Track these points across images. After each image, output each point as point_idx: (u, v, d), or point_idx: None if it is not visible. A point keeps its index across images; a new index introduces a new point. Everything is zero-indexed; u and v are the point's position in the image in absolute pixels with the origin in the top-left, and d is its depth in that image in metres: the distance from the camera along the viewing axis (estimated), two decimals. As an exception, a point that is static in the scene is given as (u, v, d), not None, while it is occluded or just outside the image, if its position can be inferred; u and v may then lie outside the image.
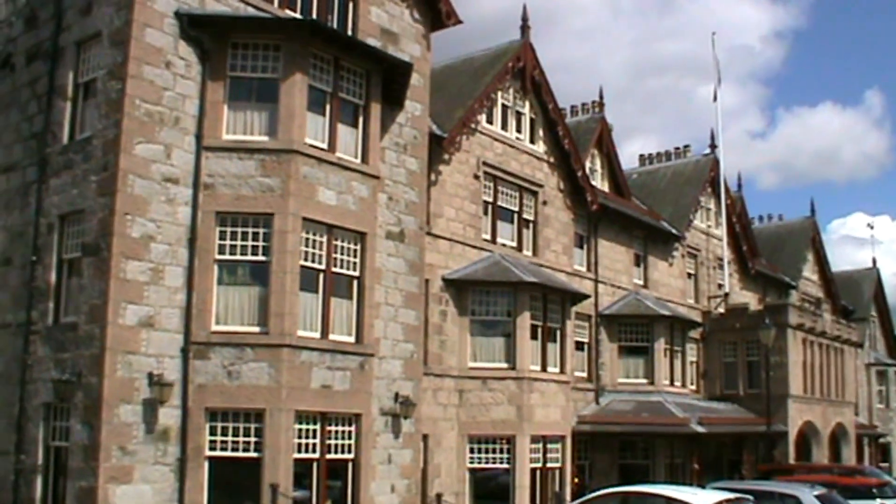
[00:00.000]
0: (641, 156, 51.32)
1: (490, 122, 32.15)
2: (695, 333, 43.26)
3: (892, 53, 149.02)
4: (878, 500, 27.50)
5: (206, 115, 20.90)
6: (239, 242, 20.78)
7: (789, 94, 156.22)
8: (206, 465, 20.08)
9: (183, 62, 20.74)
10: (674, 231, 43.04)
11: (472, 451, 28.96)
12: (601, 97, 41.20)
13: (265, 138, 21.23)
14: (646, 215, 42.01)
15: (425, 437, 26.62)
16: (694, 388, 42.71)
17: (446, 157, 29.47)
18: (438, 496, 25.29)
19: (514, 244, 32.68)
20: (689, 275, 45.05)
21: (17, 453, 20.60)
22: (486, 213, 31.54)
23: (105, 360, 18.81)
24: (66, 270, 20.81)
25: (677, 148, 49.73)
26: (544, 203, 34.08)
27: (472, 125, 30.80)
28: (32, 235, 21.33)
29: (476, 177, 30.92)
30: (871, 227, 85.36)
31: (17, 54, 23.10)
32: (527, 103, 33.96)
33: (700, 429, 35.99)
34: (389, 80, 23.88)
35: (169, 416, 19.72)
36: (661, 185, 47.06)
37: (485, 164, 31.39)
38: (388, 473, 23.38)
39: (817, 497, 24.61)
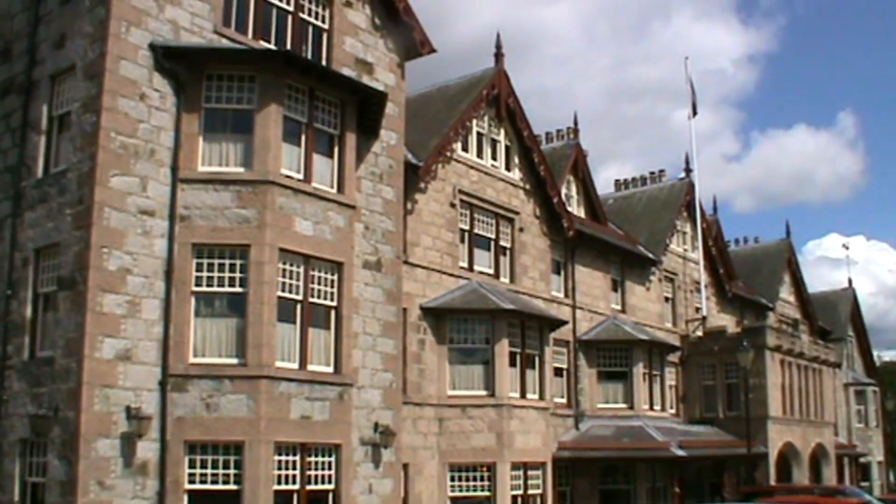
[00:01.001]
0: (617, 181, 51.58)
1: (465, 149, 32.25)
2: (673, 357, 43.36)
3: (864, 75, 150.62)
4: (859, 521, 27.58)
5: (182, 146, 20.86)
6: (216, 274, 20.72)
7: (763, 117, 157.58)
8: (186, 498, 19.90)
9: (158, 94, 20.73)
10: (650, 255, 43.20)
11: (452, 479, 28.88)
12: (576, 123, 41.39)
13: (241, 169, 21.21)
14: (622, 240, 42.16)
15: (406, 466, 26.52)
16: (674, 411, 42.79)
17: (422, 185, 29.53)
18: (419, 525, 25.22)
19: (492, 271, 32.73)
20: (667, 299, 45.19)
21: (-6, 490, 20.43)
22: (462, 240, 31.59)
23: (82, 395, 18.65)
24: (41, 304, 20.68)
25: (652, 172, 50.03)
26: (521, 230, 34.17)
27: (448, 153, 30.88)
28: (7, 269, 21.20)
29: (452, 205, 30.98)
30: (847, 248, 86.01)
31: (-10, 89, 23.04)
32: (502, 131, 34.10)
33: (681, 452, 36.01)
34: (364, 109, 23.92)
35: (147, 450, 19.56)
36: (637, 210, 47.26)
37: (461, 191, 31.46)
38: (370, 503, 23.27)
39: (798, 518, 24.68)
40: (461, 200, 31.51)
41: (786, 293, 58.70)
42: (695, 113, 48.51)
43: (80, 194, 19.69)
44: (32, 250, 20.80)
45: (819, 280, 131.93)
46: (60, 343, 19.46)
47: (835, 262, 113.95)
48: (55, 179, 20.57)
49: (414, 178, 28.60)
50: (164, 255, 20.32)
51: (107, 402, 19.00)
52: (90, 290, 19.00)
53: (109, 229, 19.43)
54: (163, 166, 20.60)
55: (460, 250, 31.34)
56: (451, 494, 28.82)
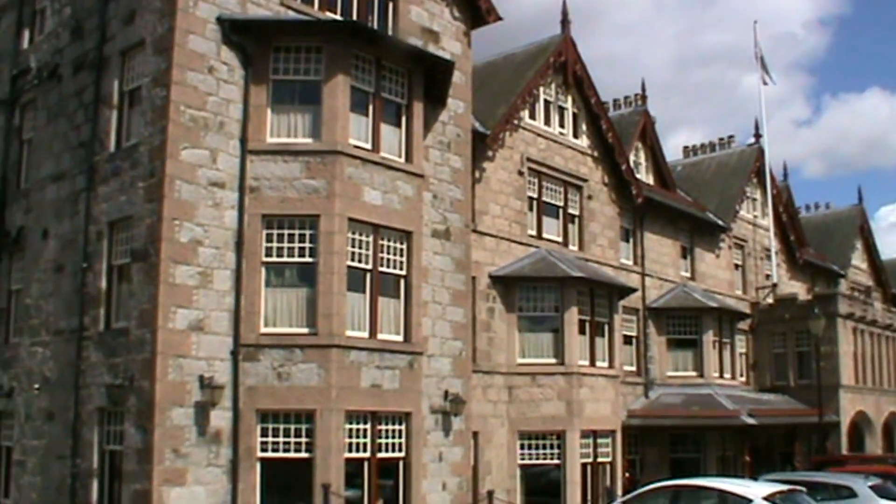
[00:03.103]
0: (685, 148, 51.03)
1: (533, 117, 32.11)
2: (743, 325, 42.97)
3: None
4: (934, 489, 27.11)
5: (250, 118, 21.05)
6: (286, 244, 20.91)
7: (835, 80, 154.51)
8: (259, 466, 20.23)
9: (226, 67, 20.91)
10: (720, 222, 42.77)
11: (522, 447, 28.94)
12: (643, 90, 40.99)
13: (309, 140, 21.35)
14: (691, 207, 41.77)
15: (475, 435, 26.61)
16: (744, 379, 42.44)
17: (490, 153, 29.48)
18: (490, 493, 25.23)
19: (560, 239, 32.61)
20: (737, 266, 44.74)
21: (73, 457, 20.91)
22: (531, 208, 31.51)
23: (156, 364, 19.02)
24: (115, 276, 21.08)
25: (721, 139, 49.42)
26: (589, 197, 33.99)
27: (515, 121, 30.77)
28: (82, 243, 21.63)
29: (520, 173, 30.89)
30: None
31: (63, 65, 23.47)
32: (569, 98, 33.88)
33: (751, 421, 35.72)
34: (431, 78, 23.90)
35: (220, 419, 19.89)
36: (707, 177, 46.76)
37: (529, 159, 31.35)
38: (439, 471, 23.42)
39: (871, 487, 24.36)
40: (529, 168, 31.39)
41: (858, 260, 57.79)
42: (766, 82, 47.71)
43: (151, 167, 19.97)
44: (106, 223, 21.16)
45: (892, 246, 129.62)
46: (135, 314, 19.81)
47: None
48: (127, 153, 20.87)
49: (482, 147, 28.55)
50: (235, 226, 20.55)
51: (180, 372, 19.32)
52: (163, 262, 19.29)
53: (181, 201, 19.68)
54: (232, 138, 20.80)
55: (528, 218, 31.25)
56: (520, 462, 28.89)
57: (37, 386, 22.62)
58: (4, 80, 25.93)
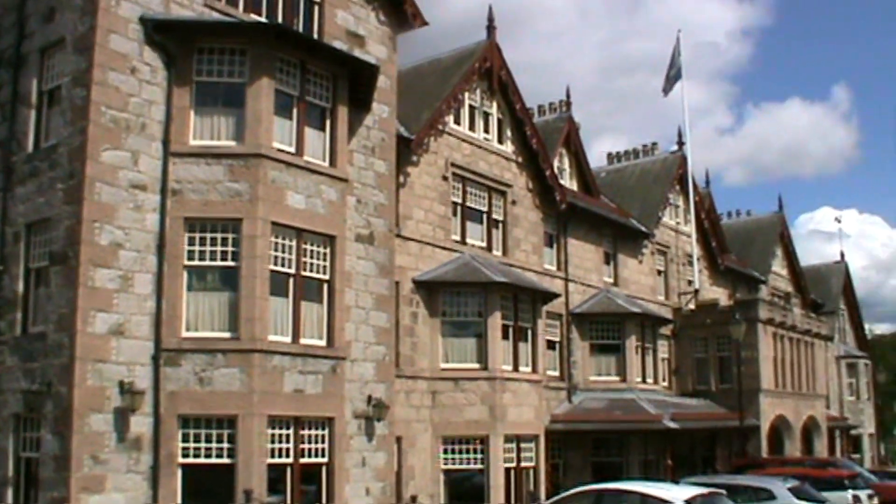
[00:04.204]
0: (609, 154, 51.40)
1: (458, 122, 32.17)
2: (666, 330, 43.46)
3: (858, 49, 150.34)
4: (850, 492, 27.68)
5: (173, 120, 20.81)
6: (208, 248, 20.71)
7: (757, 90, 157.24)
8: (180, 472, 20.00)
9: (148, 68, 20.65)
10: (643, 229, 43.20)
11: (445, 451, 28.94)
12: (568, 96, 41.31)
13: (232, 143, 21.17)
14: (615, 213, 42.16)
15: (399, 440, 26.58)
16: (666, 384, 42.88)
17: (414, 158, 29.47)
18: (413, 498, 25.27)
19: (484, 244, 32.72)
20: (659, 272, 45.24)
21: (-12, 465, 20.45)
22: (455, 213, 31.56)
23: (75, 370, 18.69)
24: (33, 279, 20.70)
25: (645, 146, 49.84)
26: (513, 203, 34.14)
27: (440, 126, 30.80)
28: (-1, 245, 21.18)
29: (444, 178, 30.93)
30: (839, 221, 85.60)
31: (-21, 62, 22.92)
32: (494, 104, 34.01)
33: (673, 425, 36.11)
34: (356, 82, 23.84)
35: (141, 424, 19.61)
36: (630, 183, 47.20)
37: (453, 164, 31.40)
38: (363, 476, 23.35)
39: (790, 490, 24.81)
40: (453, 173, 31.44)
41: (778, 266, 58.79)
42: (668, 90, 47.89)
43: (71, 169, 19.64)
44: (24, 225, 20.76)
45: (811, 253, 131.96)
46: (53, 318, 19.46)
47: (827, 235, 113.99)
48: (46, 154, 20.50)
49: (406, 152, 28.53)
50: (156, 229, 20.30)
51: (100, 377, 19.03)
52: (82, 265, 18.98)
53: (101, 204, 19.39)
54: (154, 140, 20.56)
55: (453, 223, 31.31)
56: (443, 467, 28.89)
57: (-50, 391, 22.08)
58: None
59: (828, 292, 65.02)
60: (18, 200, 20.94)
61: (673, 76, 47.37)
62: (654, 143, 49.65)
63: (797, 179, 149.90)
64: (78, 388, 18.68)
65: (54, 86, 21.01)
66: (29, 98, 21.35)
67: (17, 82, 21.65)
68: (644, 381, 39.20)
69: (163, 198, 20.45)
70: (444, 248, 30.42)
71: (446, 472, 28.96)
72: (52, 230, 19.90)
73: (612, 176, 48.49)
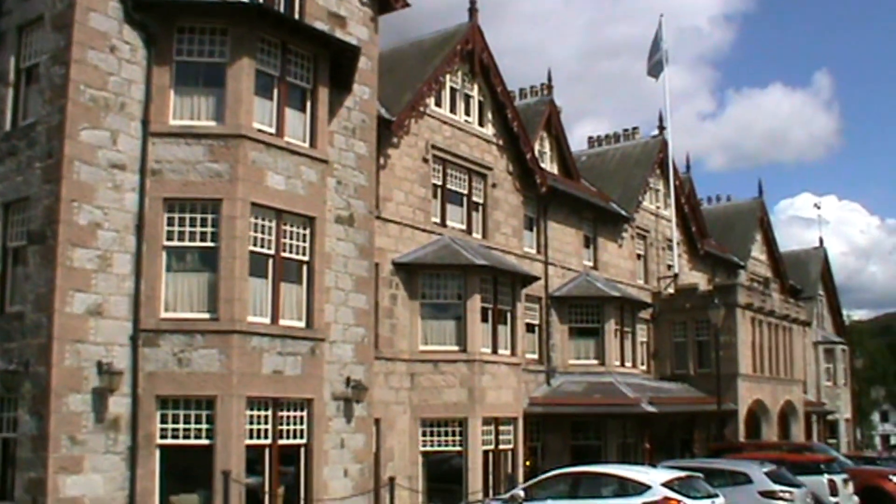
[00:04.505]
0: (590, 138, 51.46)
1: (439, 105, 32.12)
2: (645, 314, 43.61)
3: (840, 36, 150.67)
4: (826, 476, 27.85)
5: (153, 100, 20.72)
6: (187, 228, 20.63)
7: (739, 75, 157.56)
8: (158, 452, 19.99)
9: (128, 47, 20.54)
10: (623, 212, 43.30)
11: (424, 434, 28.99)
12: (550, 80, 41.29)
13: (213, 123, 21.08)
14: (595, 197, 42.20)
15: (377, 421, 26.62)
16: (644, 368, 43.04)
17: (395, 140, 29.42)
18: (391, 479, 25.28)
19: (464, 227, 32.72)
20: (639, 256, 45.36)
21: (-36, 445, 20.38)
22: (435, 196, 31.53)
23: (53, 350, 18.64)
24: (10, 259, 20.59)
25: (626, 130, 49.95)
26: (493, 186, 34.14)
27: (421, 108, 30.75)
28: (-24, 224, 21.04)
29: (425, 160, 30.89)
30: (818, 207, 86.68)
31: (-43, 39, 22.73)
32: (475, 86, 33.96)
33: (651, 409, 36.28)
34: (337, 63, 23.77)
35: (119, 405, 19.58)
36: (610, 167, 47.28)
37: (434, 147, 31.36)
38: (341, 458, 23.38)
39: (767, 474, 24.94)
40: (434, 156, 31.41)
41: (757, 252, 59.01)
42: (656, 73, 47.85)
43: (49, 148, 19.53)
44: (1, 204, 20.64)
45: (791, 239, 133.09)
46: (31, 298, 19.38)
47: (807, 221, 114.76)
48: (24, 133, 20.37)
49: (387, 133, 28.49)
50: (135, 209, 20.24)
51: (78, 357, 18.98)
52: (60, 245, 18.91)
53: (80, 183, 19.31)
54: (133, 120, 20.46)
55: (433, 206, 31.29)
56: (422, 449, 28.94)
57: (-73, 370, 21.97)
58: None
59: (806, 278, 65.35)
60: (-4, 179, 20.81)
61: (657, 61, 47.28)
62: (636, 128, 49.79)
63: (778, 165, 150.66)
64: (56, 368, 18.64)
65: (32, 63, 20.86)
66: (6, 76, 21.18)
67: (-6, 60, 21.50)
68: (623, 364, 39.35)
69: (142, 178, 20.37)
70: (424, 231, 30.41)
71: (425, 454, 29.01)
72: (31, 209, 19.79)
73: (592, 160, 48.56)
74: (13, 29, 21.24)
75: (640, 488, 20.36)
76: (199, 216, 20.68)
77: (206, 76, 21.37)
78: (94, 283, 19.38)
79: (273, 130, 21.97)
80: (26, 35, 21.11)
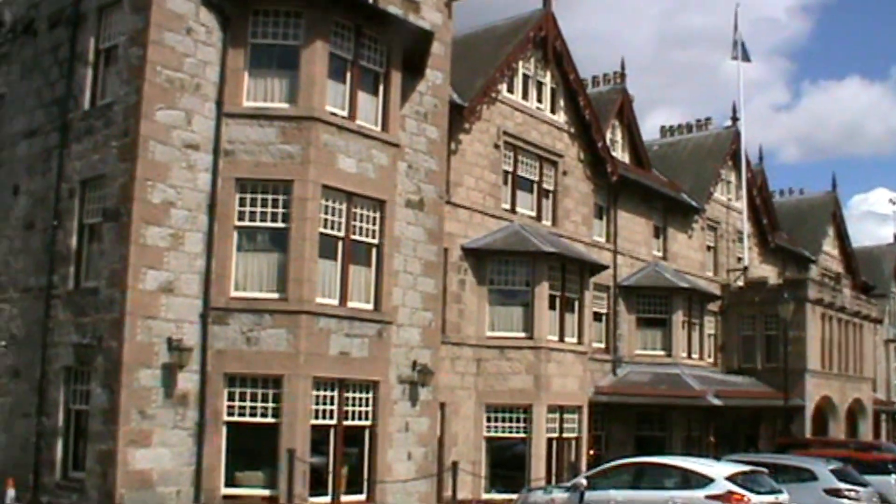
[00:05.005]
0: (663, 127, 51.10)
1: (511, 91, 32.06)
2: (713, 306, 43.23)
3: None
4: (893, 476, 27.44)
5: (227, 81, 20.95)
6: (259, 209, 20.84)
7: (815, 67, 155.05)
8: (224, 429, 20.26)
9: (204, 29, 20.77)
10: (693, 203, 42.92)
11: (489, 419, 29.04)
12: (623, 68, 41.02)
13: (286, 105, 21.25)
14: (666, 187, 41.88)
15: (442, 406, 26.67)
16: (711, 361, 42.70)
17: (466, 126, 29.43)
18: (455, 464, 25.33)
19: (534, 214, 32.64)
20: (709, 247, 44.95)
21: (39, 415, 20.85)
22: (505, 182, 31.50)
23: (125, 325, 18.97)
24: (86, 235, 20.98)
25: (699, 120, 49.48)
26: (564, 173, 34.01)
27: (493, 94, 30.72)
28: (54, 200, 21.48)
29: (496, 146, 30.87)
30: (894, 203, 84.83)
31: (39, 20, 23.18)
32: (548, 73, 33.84)
33: (717, 402, 36.00)
34: (410, 48, 23.81)
35: (188, 381, 19.87)
36: (682, 158, 46.86)
37: (505, 133, 31.32)
38: (405, 441, 23.49)
39: (833, 471, 24.64)
40: (505, 142, 31.37)
41: (829, 246, 58.17)
42: (745, 58, 47.44)
43: (125, 127, 19.84)
44: (78, 182, 21.03)
45: (864, 234, 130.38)
46: (105, 274, 19.74)
47: (881, 217, 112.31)
48: (101, 112, 20.73)
49: (458, 119, 28.50)
50: (208, 189, 20.49)
51: (149, 333, 19.29)
52: (134, 223, 19.22)
53: (154, 162, 19.60)
54: (208, 101, 20.70)
55: (503, 192, 31.26)
56: (486, 435, 28.99)
57: (3, 343, 22.47)
58: (-22, 35, 25.63)
59: (879, 274, 64.26)
60: (74, 157, 21.19)
61: (740, 51, 46.86)
62: (709, 118, 49.34)
63: (853, 159, 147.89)
64: (128, 344, 18.96)
65: (111, 45, 21.21)
66: (86, 56, 21.56)
67: (74, 41, 21.88)
68: (689, 356, 39.07)
69: (215, 158, 20.62)
70: (493, 217, 30.40)
71: (488, 439, 29.06)
72: (106, 187, 20.15)
73: (664, 149, 48.17)
74: (93, 10, 21.60)
75: (704, 481, 20.19)
76: (270, 197, 20.87)
77: (280, 59, 21.53)
78: (167, 261, 19.67)
79: (345, 113, 22.07)
80: (106, 17, 21.46)
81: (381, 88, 23.19)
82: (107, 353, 19.28)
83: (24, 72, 23.47)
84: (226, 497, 20.13)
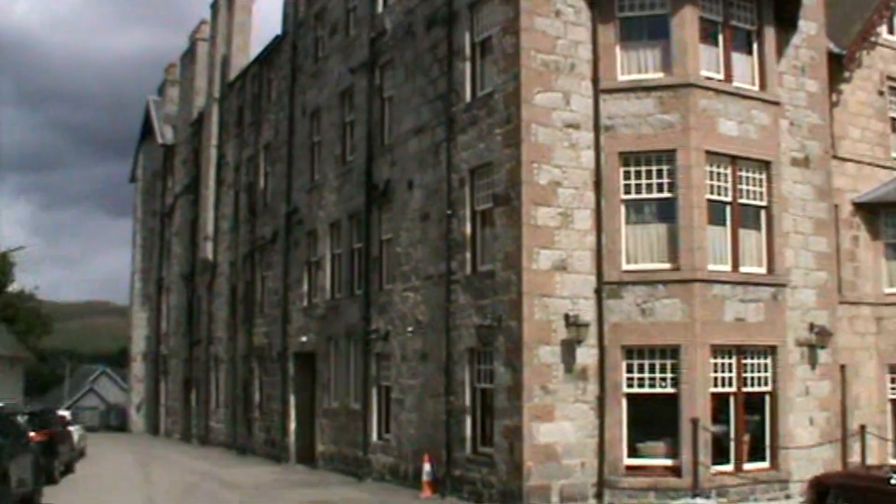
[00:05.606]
0: None
1: (892, 32, 30.14)
2: None
3: None
4: None
5: (600, 58, 21.20)
6: (643, 181, 20.91)
7: None
8: (624, 401, 20.52)
9: (572, 10, 21.13)
10: None
11: (893, 381, 27.54)
12: None
13: (660, 75, 21.21)
14: None
15: (842, 368, 25.66)
16: None
17: (846, 74, 28.02)
18: (862, 428, 24.32)
19: (927, 161, 30.65)
20: None
21: (447, 395, 22.04)
22: (893, 130, 29.73)
23: (522, 305, 19.67)
24: (479, 221, 21.92)
25: None
26: (959, 115, 31.67)
27: (872, 38, 29.02)
28: (445, 191, 22.60)
29: (880, 93, 29.16)
30: None
31: (416, 23, 24.50)
32: (933, 8, 31.65)
33: None
34: (780, 1, 23.03)
35: (586, 356, 20.31)
36: None
37: (889, 78, 29.50)
38: (806, 406, 22.81)
39: None
40: (890, 87, 29.51)
41: None
42: None
43: (507, 114, 20.54)
44: (467, 171, 21.99)
45: None
46: (499, 257, 20.55)
47: None
48: (482, 102, 21.56)
49: (837, 68, 27.18)
50: (592, 165, 20.83)
51: (545, 311, 19.89)
52: (524, 205, 19.88)
53: (537, 145, 20.16)
54: (583, 79, 21.03)
55: (892, 140, 29.53)
56: (891, 397, 27.47)
57: (410, 329, 23.94)
58: (364, 44, 27.36)
59: None
60: (461, 148, 22.17)
61: None
62: None
63: None
64: (526, 322, 19.65)
65: (484, 37, 22.05)
66: (462, 51, 22.51)
67: (450, 38, 22.94)
68: None
69: (596, 134, 20.92)
70: (883, 167, 28.76)
71: (894, 401, 27.64)
72: (494, 173, 20.95)
73: None
74: (465, 7, 22.55)
75: None
76: (654, 168, 20.88)
77: (649, 29, 21.53)
78: (557, 240, 20.19)
79: (721, 76, 21.72)
80: (476, 11, 22.37)
81: (754, 47, 22.61)
82: (507, 332, 20.05)
83: (407, 73, 24.82)
84: (628, 468, 20.41)
